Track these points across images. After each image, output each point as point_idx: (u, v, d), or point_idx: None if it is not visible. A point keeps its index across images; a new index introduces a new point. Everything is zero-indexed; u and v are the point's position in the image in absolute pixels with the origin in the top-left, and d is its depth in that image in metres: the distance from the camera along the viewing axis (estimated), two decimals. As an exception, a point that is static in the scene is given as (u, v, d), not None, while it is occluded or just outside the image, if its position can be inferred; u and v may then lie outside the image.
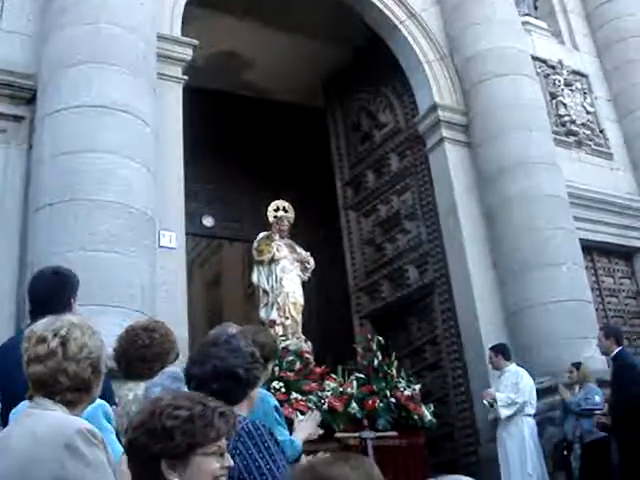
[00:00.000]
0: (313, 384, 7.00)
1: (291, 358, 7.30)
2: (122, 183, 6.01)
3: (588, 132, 10.85)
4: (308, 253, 8.91)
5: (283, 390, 6.62)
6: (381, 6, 9.84)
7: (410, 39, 9.86)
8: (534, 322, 8.28)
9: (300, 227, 9.47)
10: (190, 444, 1.83)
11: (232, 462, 1.95)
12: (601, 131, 11.09)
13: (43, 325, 2.33)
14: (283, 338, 7.93)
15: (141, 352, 3.41)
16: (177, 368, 3.13)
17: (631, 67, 11.49)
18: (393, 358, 7.82)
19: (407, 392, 7.43)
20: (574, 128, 10.65)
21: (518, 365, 7.64)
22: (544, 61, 10.92)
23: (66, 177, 5.90)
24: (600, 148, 10.92)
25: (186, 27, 7.95)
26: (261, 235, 8.80)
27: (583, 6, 12.24)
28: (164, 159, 6.87)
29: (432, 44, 9.93)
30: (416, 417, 7.32)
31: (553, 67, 10.98)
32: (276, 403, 3.81)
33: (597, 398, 7.16)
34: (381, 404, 7.15)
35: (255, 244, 8.74)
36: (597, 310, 9.13)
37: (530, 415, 7.32)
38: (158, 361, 3.30)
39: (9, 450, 2.07)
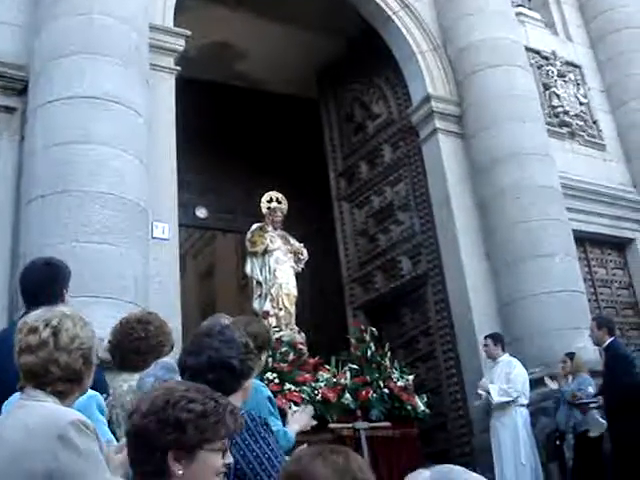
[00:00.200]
0: (307, 375, 7.01)
1: (284, 349, 7.30)
2: (115, 174, 5.99)
3: (581, 123, 10.86)
4: (301, 244, 8.92)
5: (277, 381, 6.62)
6: (375, -4, 9.82)
7: (403, 30, 9.84)
8: (527, 313, 8.31)
9: (293, 218, 9.46)
10: (200, 439, 1.83)
11: (232, 459, 1.96)
12: (594, 122, 11.10)
13: (35, 316, 2.33)
14: (276, 329, 7.94)
15: (136, 344, 3.41)
16: (170, 359, 3.13)
17: (624, 58, 11.50)
18: (386, 349, 7.84)
19: (400, 383, 7.45)
20: (567, 119, 10.66)
21: (511, 355, 7.67)
22: (537, 52, 10.92)
23: (58, 168, 5.88)
24: (593, 139, 10.93)
25: (178, 17, 7.91)
26: (254, 226, 8.81)
27: (577, -3, 12.25)
28: (157, 150, 6.84)
29: (425, 35, 9.91)
30: (409, 408, 7.34)
31: (546, 58, 10.98)
32: (269, 394, 3.82)
33: (590, 389, 7.19)
34: (374, 395, 7.17)
35: (248, 235, 8.74)
36: (590, 301, 9.16)
37: (523, 405, 7.34)
38: (153, 353, 3.29)
39: (1, 442, 2.07)
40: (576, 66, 11.41)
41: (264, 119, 11.83)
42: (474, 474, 1.30)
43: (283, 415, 4.07)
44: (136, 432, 1.85)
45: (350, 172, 11.05)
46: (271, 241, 8.66)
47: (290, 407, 5.81)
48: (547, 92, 10.71)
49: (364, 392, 7.12)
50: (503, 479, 7.07)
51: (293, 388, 6.65)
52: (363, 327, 8.22)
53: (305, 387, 6.79)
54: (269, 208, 8.99)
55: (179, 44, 7.68)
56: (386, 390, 7.28)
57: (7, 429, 2.12)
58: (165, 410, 1.84)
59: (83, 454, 2.04)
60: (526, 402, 7.39)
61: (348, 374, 7.27)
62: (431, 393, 8.32)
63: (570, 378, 7.57)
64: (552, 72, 10.89)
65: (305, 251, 8.87)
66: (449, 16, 9.98)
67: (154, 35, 7.35)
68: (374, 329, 8.06)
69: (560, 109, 10.66)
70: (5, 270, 5.97)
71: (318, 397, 6.73)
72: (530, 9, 11.59)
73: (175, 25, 7.81)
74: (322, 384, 6.93)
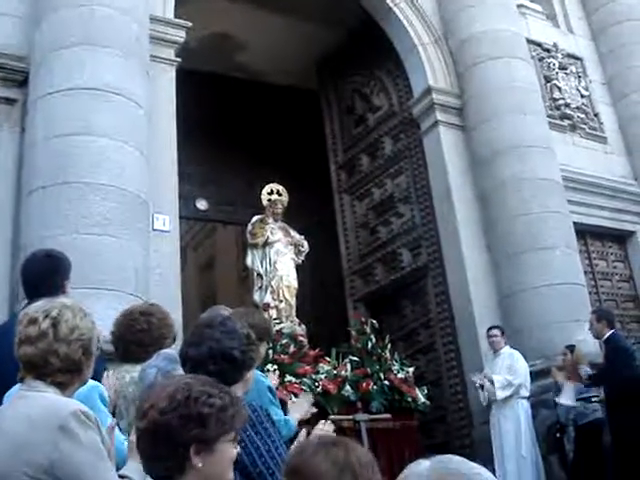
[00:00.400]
0: (307, 367, 7.02)
1: (285, 341, 7.31)
2: (115, 166, 5.98)
3: (582, 116, 10.84)
4: (302, 236, 8.92)
5: (277, 373, 6.63)
6: (375, -12, 9.80)
7: (404, 22, 9.82)
8: (527, 305, 8.32)
9: (294, 210, 9.46)
10: (219, 432, 1.88)
11: (238, 449, 2.00)
12: (595, 115, 11.08)
13: (35, 307, 2.33)
14: (277, 321, 7.95)
15: (138, 337, 3.41)
16: (172, 350, 3.13)
17: (626, 50, 11.47)
18: (387, 341, 7.85)
19: (400, 375, 7.47)
20: (568, 112, 10.65)
21: (511, 347, 7.69)
22: (539, 44, 10.89)
23: (59, 160, 5.87)
24: (594, 132, 10.92)
25: (179, 9, 7.90)
26: (255, 218, 8.81)
27: (578, -11, 12.21)
28: (157, 142, 6.83)
29: (426, 27, 9.89)
30: (410, 400, 7.37)
31: (548, 50, 10.96)
32: (270, 383, 3.84)
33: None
34: (375, 387, 7.18)
35: (249, 227, 8.74)
36: (590, 293, 9.16)
37: (525, 397, 7.37)
38: (155, 345, 3.30)
39: (2, 433, 2.08)
40: (577, 58, 11.38)
41: (264, 111, 11.81)
42: (474, 464, 1.30)
43: (283, 405, 4.09)
44: (156, 428, 1.86)
45: (351, 164, 11.04)
46: (272, 233, 8.66)
47: (290, 399, 5.83)
48: (548, 84, 10.68)
49: (364, 384, 7.13)
50: (504, 471, 7.09)
51: (294, 380, 6.67)
52: (363, 319, 8.23)
53: (306, 379, 6.80)
54: (270, 200, 8.99)
55: (179, 35, 7.66)
56: (386, 382, 7.30)
57: (8, 420, 2.12)
58: (187, 406, 1.87)
59: (84, 444, 2.05)
60: (527, 394, 7.42)
61: (348, 366, 7.29)
62: (431, 385, 8.34)
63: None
64: (553, 64, 10.86)
65: (306, 243, 8.88)
66: (450, 8, 9.95)
67: (154, 26, 7.34)
68: (374, 321, 8.08)
69: (561, 101, 10.64)
70: (5, 261, 5.97)
71: (319, 389, 6.75)
72: (531, 1, 11.55)
73: (175, 16, 7.79)
74: (322, 376, 6.95)
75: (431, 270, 9.34)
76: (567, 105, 10.67)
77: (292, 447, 2.75)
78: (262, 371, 5.41)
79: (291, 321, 8.24)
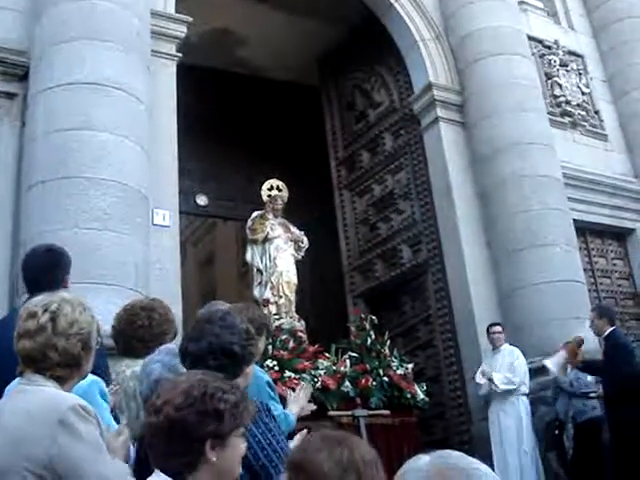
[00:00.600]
0: (306, 363, 7.02)
1: (284, 337, 7.31)
2: (116, 161, 5.98)
3: (583, 113, 10.84)
4: (302, 232, 8.92)
5: (276, 368, 6.64)
6: (376, -16, 9.79)
7: (405, 18, 9.81)
8: (527, 302, 8.32)
9: (294, 206, 9.46)
10: (233, 427, 1.92)
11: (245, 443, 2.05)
12: (596, 112, 11.08)
13: (35, 301, 2.33)
14: (277, 317, 7.96)
15: (139, 332, 3.41)
16: (172, 344, 3.13)
17: (627, 48, 11.47)
18: (386, 337, 7.86)
19: (400, 371, 7.48)
20: (569, 109, 10.64)
21: (511, 344, 7.70)
22: (540, 41, 10.88)
23: (59, 154, 5.86)
24: (595, 129, 10.92)
25: (180, 4, 7.89)
26: (255, 214, 8.81)
27: (579, -14, 12.19)
28: (158, 137, 6.83)
29: (427, 23, 9.88)
30: (409, 396, 7.37)
31: (549, 47, 10.94)
32: (269, 378, 3.84)
33: (589, 377, 7.21)
34: (374, 383, 7.19)
35: (249, 223, 8.75)
36: (590, 291, 9.17)
37: (525, 394, 7.39)
38: (156, 341, 3.30)
39: (2, 428, 2.08)
40: (578, 55, 11.37)
41: (265, 106, 11.79)
42: (473, 459, 1.30)
43: (283, 401, 4.09)
44: (172, 424, 1.88)
45: (351, 160, 11.04)
46: (271, 229, 8.66)
47: (290, 394, 5.84)
48: (549, 81, 10.68)
49: (364, 380, 7.14)
50: (506, 467, 7.09)
51: (293, 376, 6.67)
52: (363, 315, 8.24)
53: (305, 375, 6.80)
54: (270, 196, 8.99)
55: (180, 30, 7.65)
56: (386, 378, 7.31)
57: (7, 414, 2.13)
58: (203, 402, 1.90)
59: (84, 439, 2.05)
60: (527, 391, 7.43)
61: (348, 362, 7.29)
62: (430, 381, 8.35)
63: (569, 368, 7.59)
64: (554, 61, 10.85)
65: (305, 239, 8.88)
66: (451, 4, 9.94)
67: (155, 21, 7.33)
68: (374, 317, 8.08)
69: (562, 99, 10.64)
70: (5, 256, 5.96)
71: (318, 385, 6.75)
72: (533, -3, 11.55)
73: (176, 11, 7.78)
74: (322, 372, 6.95)
75: (431, 267, 9.34)
76: (568, 102, 10.67)
77: (294, 440, 2.76)
78: (262, 367, 5.42)
79: (290, 317, 8.25)
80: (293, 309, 8.41)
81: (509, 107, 9.12)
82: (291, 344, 7.26)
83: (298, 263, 8.81)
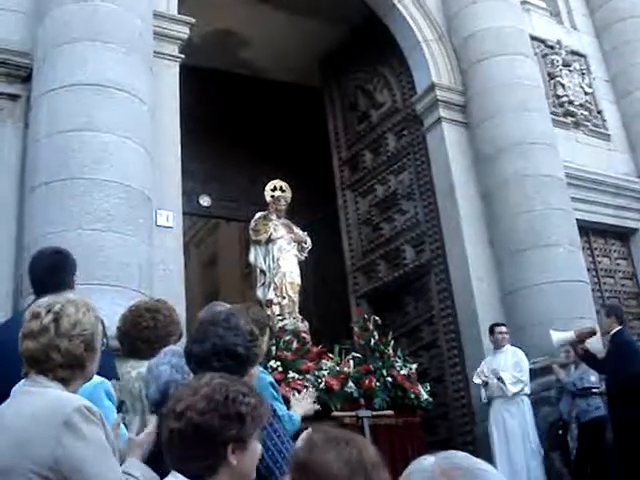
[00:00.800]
0: (310, 363, 7.02)
1: (288, 337, 7.31)
2: (119, 162, 5.98)
3: (586, 113, 10.83)
4: (305, 233, 8.93)
5: (280, 369, 6.64)
6: (379, -16, 9.79)
7: (408, 18, 9.80)
8: (530, 302, 8.31)
9: (297, 207, 9.47)
10: (253, 430, 1.95)
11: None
12: (599, 112, 11.07)
13: (40, 302, 2.34)
14: (280, 318, 7.97)
15: (145, 334, 3.42)
16: (177, 346, 3.14)
17: (630, 47, 11.46)
18: (389, 338, 7.85)
19: (403, 371, 7.47)
20: (572, 109, 10.63)
21: (514, 344, 7.70)
22: (542, 41, 10.87)
23: (62, 156, 5.86)
24: (598, 129, 10.91)
25: (182, 5, 7.89)
26: (258, 215, 8.82)
27: (582, -14, 12.18)
28: (161, 138, 6.83)
29: (430, 23, 9.87)
30: (412, 396, 7.37)
31: (551, 47, 10.94)
32: (271, 379, 3.85)
33: (592, 377, 7.21)
34: (378, 383, 7.19)
35: (252, 224, 8.75)
36: (593, 291, 9.15)
37: (527, 395, 7.38)
38: (161, 342, 3.31)
39: (7, 429, 2.08)
40: (581, 55, 11.36)
41: (268, 107, 11.80)
42: (478, 459, 1.30)
43: (287, 402, 4.10)
44: (195, 429, 1.89)
45: (354, 161, 11.04)
46: (275, 230, 8.67)
47: (293, 395, 5.84)
48: (552, 81, 10.67)
49: (367, 381, 7.13)
50: (512, 466, 7.07)
51: (297, 376, 6.67)
52: (366, 316, 8.24)
53: (309, 375, 6.80)
54: (273, 197, 8.99)
55: (183, 32, 7.65)
56: (389, 379, 7.30)
57: (12, 416, 2.13)
58: (226, 406, 1.92)
59: (88, 440, 2.06)
60: (529, 392, 7.43)
61: (351, 362, 7.29)
62: (434, 382, 8.35)
63: (573, 368, 7.60)
64: (557, 61, 10.84)
65: (309, 240, 8.88)
66: (454, 4, 9.94)
67: (158, 22, 7.33)
68: (377, 318, 8.08)
69: (565, 98, 10.63)
70: (10, 257, 5.97)
71: (322, 385, 6.75)
72: (535, -3, 11.54)
73: (179, 12, 7.79)
74: (325, 372, 6.95)
75: (434, 267, 9.34)
76: (570, 102, 10.66)
77: (299, 440, 2.76)
78: (265, 367, 5.42)
79: (294, 317, 8.25)
80: (296, 310, 8.41)
81: (512, 107, 9.12)
82: (295, 345, 7.25)
83: (301, 264, 8.81)
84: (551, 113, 9.93)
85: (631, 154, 11.08)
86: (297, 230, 8.87)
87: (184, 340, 3.47)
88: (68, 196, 5.73)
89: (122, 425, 2.53)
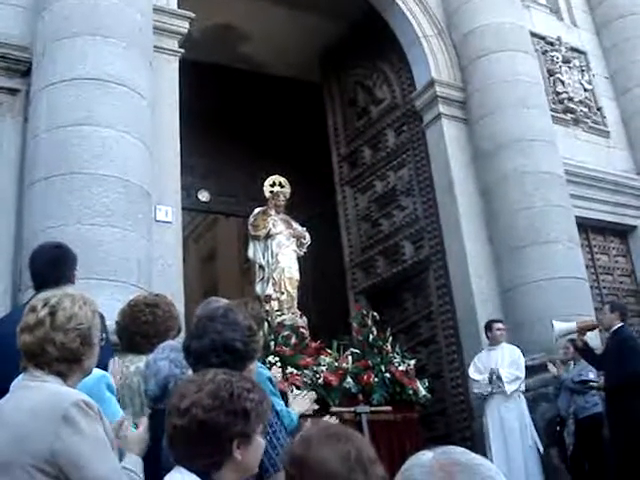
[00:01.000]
0: (308, 359, 7.02)
1: (286, 333, 7.32)
2: (118, 157, 5.97)
3: (585, 110, 10.83)
4: (304, 228, 8.92)
5: (279, 364, 6.64)
6: (379, -20, 9.78)
7: (408, 14, 9.79)
8: (529, 299, 8.31)
9: (296, 202, 9.46)
10: (257, 425, 1.97)
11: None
12: (598, 109, 11.07)
13: (39, 296, 2.34)
14: (278, 313, 7.97)
15: (144, 328, 3.42)
16: (175, 341, 3.14)
17: (629, 44, 11.46)
18: (388, 333, 7.85)
19: (402, 367, 7.47)
20: (571, 105, 10.63)
21: (513, 341, 7.70)
22: (542, 37, 10.87)
23: (61, 150, 5.86)
24: (597, 126, 10.91)
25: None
26: (257, 210, 8.81)
27: (582, -18, 12.17)
28: (160, 133, 6.82)
29: (430, 19, 9.86)
30: (411, 392, 7.37)
31: (551, 44, 10.93)
32: (269, 374, 3.85)
33: (591, 374, 7.22)
34: (376, 379, 7.19)
35: (251, 219, 8.75)
36: (592, 288, 9.16)
37: (523, 391, 7.39)
38: (160, 337, 3.31)
39: (5, 424, 2.09)
40: (581, 52, 11.36)
41: (267, 102, 11.79)
42: (476, 455, 1.31)
43: (284, 397, 4.10)
44: (201, 426, 1.90)
45: (353, 157, 11.04)
46: (274, 225, 8.66)
47: (292, 391, 5.85)
48: (552, 78, 10.67)
49: (366, 376, 7.14)
50: (509, 462, 7.08)
51: (295, 372, 6.67)
52: (365, 312, 8.23)
53: (307, 371, 6.81)
54: (272, 192, 8.99)
55: (183, 26, 7.64)
56: (387, 374, 7.30)
57: (11, 410, 2.13)
58: (232, 402, 1.93)
59: (86, 434, 2.06)
60: (524, 389, 7.44)
61: (350, 358, 7.29)
62: (432, 378, 8.35)
63: (572, 364, 7.61)
64: (557, 58, 10.84)
65: (307, 235, 8.88)
66: (453, 0, 9.93)
67: (158, 17, 7.32)
68: (376, 314, 8.07)
69: (564, 95, 10.62)
70: (8, 252, 5.97)
71: (320, 381, 6.76)
72: (535, -6, 11.53)
73: (179, 7, 7.78)
74: (324, 368, 6.96)
75: (433, 263, 9.34)
76: (570, 99, 10.66)
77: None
78: (263, 363, 5.42)
79: (292, 313, 8.25)
80: (295, 305, 8.42)
81: (511, 104, 9.11)
82: (293, 340, 7.26)
83: (300, 259, 8.81)
84: (551, 110, 9.93)
85: (630, 151, 11.08)
86: (296, 226, 8.87)
87: (183, 335, 3.48)
88: (67, 191, 5.72)
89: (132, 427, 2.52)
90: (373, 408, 6.95)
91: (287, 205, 9.01)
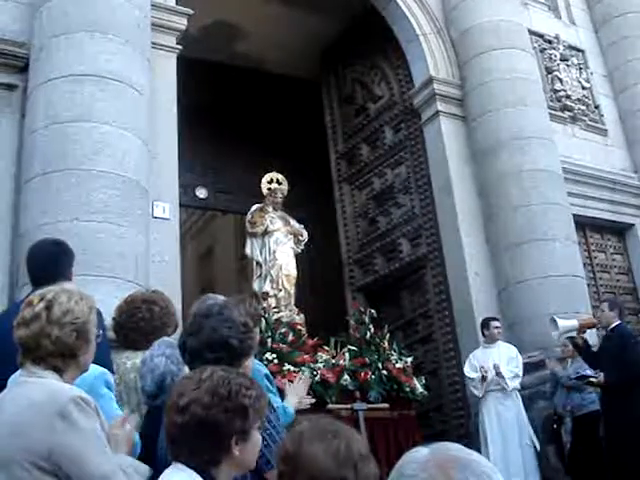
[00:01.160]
0: (306, 356, 7.03)
1: (284, 330, 7.32)
2: (115, 153, 5.96)
3: (583, 108, 10.83)
4: (301, 225, 8.92)
5: (276, 361, 6.65)
6: (377, -23, 9.77)
7: (406, 11, 9.79)
8: (526, 296, 8.32)
9: (294, 199, 9.45)
10: (255, 421, 1.98)
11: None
12: (596, 107, 11.07)
13: (37, 292, 2.34)
14: (276, 310, 7.97)
15: (140, 325, 3.42)
16: (170, 338, 3.14)
17: (627, 43, 11.46)
18: (385, 331, 7.86)
19: (399, 365, 7.47)
20: (569, 103, 10.63)
21: (510, 339, 7.71)
22: (540, 35, 10.86)
23: (59, 146, 5.85)
24: (595, 124, 10.91)
25: (181, -4, 7.88)
26: (254, 207, 8.80)
27: (581, -19, 12.17)
28: (158, 129, 6.82)
29: (428, 17, 9.85)
30: (408, 389, 7.37)
31: (549, 41, 10.93)
32: (267, 371, 3.84)
33: (588, 372, 7.22)
34: (373, 376, 7.19)
35: (248, 216, 8.74)
36: (589, 286, 9.17)
37: (519, 389, 7.40)
38: (156, 334, 3.31)
39: (2, 420, 2.09)
40: (579, 50, 11.36)
41: (265, 99, 11.78)
42: (472, 451, 1.31)
43: (281, 394, 4.10)
44: (200, 423, 1.90)
45: (351, 154, 11.03)
46: (271, 222, 8.66)
47: (289, 386, 5.84)
48: (549, 76, 10.67)
49: (363, 373, 7.14)
50: (506, 459, 7.07)
51: (292, 369, 6.67)
52: (362, 309, 8.24)
53: (304, 368, 6.81)
54: (269, 189, 8.98)
55: (181, 23, 7.62)
56: (385, 372, 7.31)
57: (8, 407, 2.13)
58: (230, 399, 1.94)
59: (82, 430, 2.06)
60: (520, 386, 7.45)
61: (347, 355, 7.29)
62: (429, 375, 8.36)
63: (569, 362, 7.61)
64: (555, 56, 10.84)
65: (305, 232, 8.88)
66: (452, -2, 9.93)
67: (156, 13, 7.30)
68: (373, 311, 8.07)
69: (562, 93, 10.63)
70: (5, 248, 5.96)
71: (317, 378, 6.76)
72: (534, -8, 11.52)
73: (177, 4, 7.77)
74: (321, 365, 6.96)
75: (430, 260, 9.34)
76: (568, 97, 10.66)
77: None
78: (261, 360, 5.43)
79: (290, 310, 8.25)
80: (292, 302, 8.42)
81: (509, 101, 9.12)
82: (290, 337, 7.26)
83: (297, 256, 8.81)
84: (548, 108, 9.93)
85: (628, 149, 11.09)
86: (293, 223, 8.87)
87: (179, 331, 3.47)
88: (64, 187, 5.71)
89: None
90: (370, 405, 6.95)
91: (285, 202, 9.00)
